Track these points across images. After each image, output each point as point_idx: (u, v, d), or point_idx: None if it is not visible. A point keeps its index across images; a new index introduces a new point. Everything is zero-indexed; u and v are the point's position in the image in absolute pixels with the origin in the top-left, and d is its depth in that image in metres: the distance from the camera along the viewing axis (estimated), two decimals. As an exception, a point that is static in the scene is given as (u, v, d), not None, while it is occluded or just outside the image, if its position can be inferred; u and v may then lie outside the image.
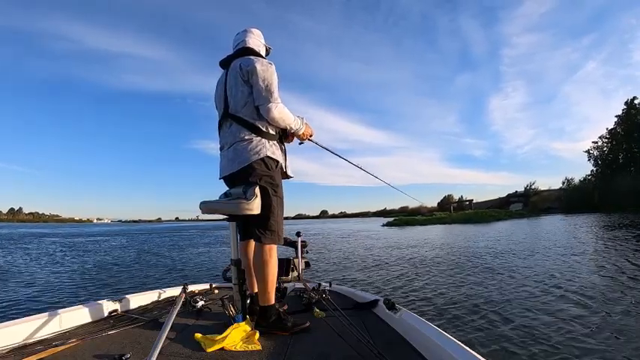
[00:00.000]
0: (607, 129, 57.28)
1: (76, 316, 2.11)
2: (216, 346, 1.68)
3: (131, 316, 2.25)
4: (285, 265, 3.24)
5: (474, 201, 70.31)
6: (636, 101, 53.17)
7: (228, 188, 2.12)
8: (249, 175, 1.97)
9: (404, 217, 45.00)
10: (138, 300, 2.61)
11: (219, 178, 2.19)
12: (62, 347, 1.70)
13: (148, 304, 2.63)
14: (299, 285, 3.06)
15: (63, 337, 1.85)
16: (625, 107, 54.66)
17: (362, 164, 2.90)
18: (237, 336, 1.78)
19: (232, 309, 2.05)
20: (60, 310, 2.06)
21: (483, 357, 1.27)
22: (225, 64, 2.21)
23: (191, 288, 3.01)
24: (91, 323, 2.14)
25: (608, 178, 51.09)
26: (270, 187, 2.01)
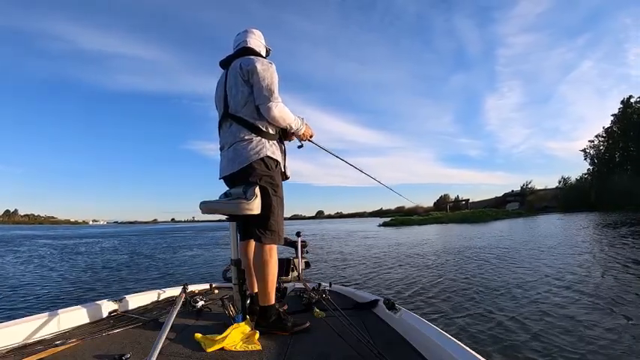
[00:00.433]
0: (603, 128, 57.72)
1: (76, 316, 2.11)
2: (216, 346, 1.68)
3: (131, 316, 2.25)
4: (285, 265, 3.24)
5: (470, 200, 70.54)
6: (632, 100, 53.47)
7: (228, 188, 2.12)
8: (249, 175, 1.97)
9: (400, 217, 44.96)
10: (138, 300, 2.61)
11: (219, 178, 2.19)
12: (62, 347, 1.69)
13: (147, 304, 2.63)
14: (299, 285, 3.06)
15: (63, 337, 1.85)
16: (621, 106, 54.92)
17: (357, 164, 2.90)
18: (237, 336, 1.78)
19: (232, 309, 2.05)
20: (60, 310, 2.05)
21: (483, 357, 1.27)
22: (225, 64, 2.21)
23: (191, 288, 3.00)
24: (91, 323, 2.13)
25: (605, 177, 51.31)
26: (271, 187, 2.01)
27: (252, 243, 2.13)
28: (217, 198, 2.03)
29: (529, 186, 67.07)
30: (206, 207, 1.98)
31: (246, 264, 2.16)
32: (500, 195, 72.08)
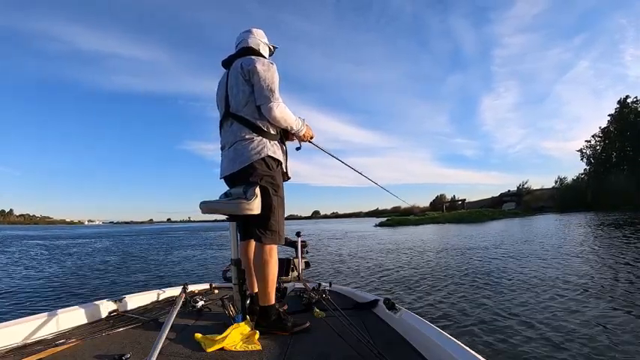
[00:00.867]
0: (600, 128, 57.95)
1: (76, 316, 2.11)
2: (216, 346, 1.68)
3: (131, 316, 2.25)
4: (285, 265, 3.25)
5: (467, 200, 70.69)
6: (629, 100, 53.66)
7: (228, 188, 2.12)
8: (249, 175, 1.97)
9: (396, 217, 45.00)
10: (138, 300, 2.60)
11: (220, 178, 2.19)
12: (62, 347, 1.69)
13: (147, 304, 2.63)
14: (299, 285, 3.06)
15: (63, 337, 1.84)
16: (618, 106, 55.17)
17: (353, 165, 2.90)
18: (237, 336, 1.78)
19: (232, 309, 2.05)
20: (60, 310, 2.05)
21: (483, 357, 1.27)
22: (227, 63, 2.21)
23: (191, 288, 3.00)
24: (91, 323, 2.13)
25: (602, 177, 51.51)
26: (271, 187, 2.01)
27: (253, 243, 2.13)
28: (216, 198, 2.03)
29: (525, 186, 67.29)
30: (206, 207, 1.98)
31: (246, 264, 2.16)
32: (497, 195, 72.29)
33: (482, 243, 13.60)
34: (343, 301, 2.66)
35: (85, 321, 2.13)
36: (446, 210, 57.88)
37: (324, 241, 18.29)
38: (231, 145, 2.04)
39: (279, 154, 2.07)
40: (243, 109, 2.02)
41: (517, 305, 4.74)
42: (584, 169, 59.00)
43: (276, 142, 2.09)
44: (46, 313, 1.96)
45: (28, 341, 1.75)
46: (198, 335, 1.78)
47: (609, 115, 56.63)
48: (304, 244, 3.55)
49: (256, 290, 2.14)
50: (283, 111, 2.00)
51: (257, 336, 1.83)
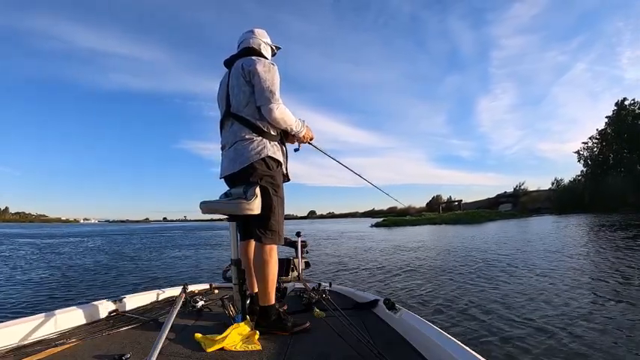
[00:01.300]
0: (597, 130, 58.05)
1: (76, 316, 2.10)
2: (216, 346, 1.68)
3: (131, 316, 2.24)
4: (285, 265, 3.25)
5: (463, 201, 70.80)
6: (626, 102, 53.80)
7: (228, 188, 2.12)
8: (249, 175, 1.97)
9: (392, 218, 44.84)
10: (138, 300, 2.60)
11: (220, 178, 2.19)
12: (62, 347, 1.69)
13: (147, 304, 2.63)
14: (299, 285, 3.06)
15: (63, 337, 1.84)
16: (615, 108, 55.23)
17: (349, 165, 2.90)
18: (237, 336, 1.78)
19: (232, 309, 2.05)
20: (60, 310, 2.05)
21: (483, 357, 1.27)
22: (228, 63, 2.20)
23: (191, 288, 3.00)
24: (91, 323, 2.13)
25: (599, 179, 51.59)
26: (271, 187, 2.01)
27: (253, 243, 2.13)
28: (213, 198, 2.03)
29: (522, 187, 67.40)
30: (206, 207, 1.98)
31: (246, 264, 2.16)
32: (493, 196, 72.43)
33: (481, 244, 13.61)
34: (343, 301, 2.66)
35: (84, 321, 2.13)
36: (442, 211, 58.02)
37: (320, 242, 18.20)
38: (232, 145, 2.04)
39: (279, 155, 2.07)
40: (244, 110, 2.02)
41: (517, 305, 4.75)
42: (581, 171, 59.33)
43: (276, 142, 2.09)
44: (45, 313, 1.96)
45: (28, 341, 1.75)
46: (198, 335, 1.78)
47: (606, 117, 56.88)
48: (304, 244, 3.55)
49: (256, 290, 2.14)
50: (283, 112, 2.00)
51: (257, 336, 1.83)
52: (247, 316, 1.98)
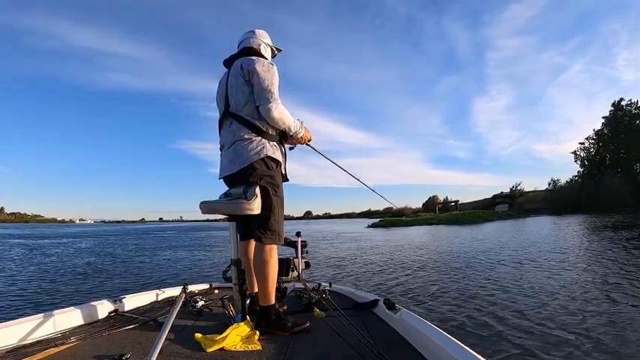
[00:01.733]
0: (594, 130, 58.15)
1: (76, 316, 2.10)
2: (216, 346, 1.68)
3: (131, 316, 2.24)
4: (285, 265, 3.25)
5: (459, 202, 70.88)
6: (623, 103, 53.89)
7: (228, 188, 2.12)
8: (249, 175, 1.97)
9: (389, 219, 44.70)
10: (138, 300, 2.60)
11: (219, 178, 2.19)
12: (62, 347, 1.69)
13: (147, 304, 2.63)
14: (299, 285, 3.06)
15: (63, 337, 1.84)
16: (612, 109, 55.31)
17: (345, 166, 2.90)
18: (237, 336, 1.78)
19: (232, 309, 2.05)
20: (60, 310, 2.05)
21: (483, 357, 1.27)
22: (228, 63, 2.21)
23: (191, 288, 3.01)
24: (91, 323, 2.13)
25: (596, 179, 51.68)
26: (271, 187, 2.01)
27: (253, 243, 2.13)
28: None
29: (518, 188, 67.47)
30: (206, 207, 1.98)
31: (246, 264, 2.16)
32: (490, 196, 72.45)
33: (479, 244, 13.62)
34: (343, 301, 2.67)
35: (84, 321, 2.13)
36: (439, 211, 57.94)
37: (318, 243, 18.13)
38: (231, 145, 2.04)
39: (278, 155, 2.07)
40: (243, 109, 2.02)
41: (516, 305, 4.75)
42: (578, 171, 59.39)
43: (275, 142, 2.09)
44: (45, 313, 1.96)
45: (28, 342, 1.75)
46: (198, 335, 1.78)
47: (603, 118, 56.96)
48: (304, 244, 3.55)
49: (256, 290, 2.14)
50: (282, 112, 2.00)
51: (257, 336, 1.83)
52: (247, 316, 1.98)
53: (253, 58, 2.05)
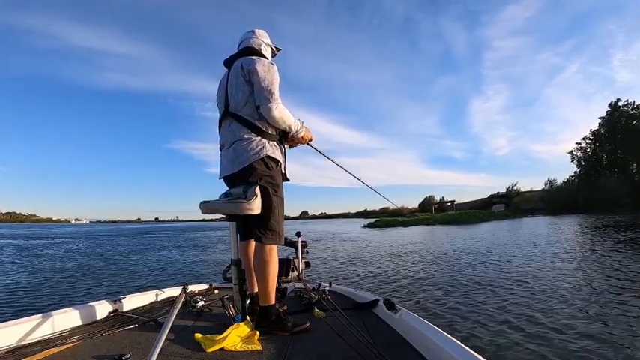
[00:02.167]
0: (591, 130, 58.32)
1: (76, 316, 2.10)
2: (216, 346, 1.68)
3: (131, 316, 2.24)
4: (285, 265, 3.24)
5: (456, 202, 71.00)
6: (620, 103, 54.05)
7: (227, 188, 2.12)
8: (249, 175, 1.97)
9: (385, 219, 44.62)
10: (138, 300, 2.60)
11: (219, 179, 2.19)
12: (62, 347, 1.69)
13: (147, 304, 2.63)
14: (299, 285, 3.06)
15: (63, 337, 1.84)
16: (609, 109, 55.44)
17: (344, 166, 2.91)
18: (237, 336, 1.78)
19: (232, 309, 2.05)
20: (60, 310, 2.05)
21: (483, 357, 1.27)
22: (228, 63, 2.21)
23: (191, 288, 3.01)
24: (91, 323, 2.13)
25: (592, 180, 51.84)
26: (271, 187, 2.01)
27: (253, 243, 2.13)
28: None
29: (515, 188, 67.59)
30: (206, 207, 1.97)
31: (246, 264, 2.16)
32: (486, 197, 72.68)
33: (477, 244, 13.62)
34: (343, 301, 2.67)
35: (84, 321, 2.13)
36: (435, 211, 58.02)
37: (315, 244, 18.00)
38: (231, 144, 2.04)
39: (278, 155, 2.07)
40: (243, 109, 2.02)
41: (516, 306, 4.76)
42: (575, 172, 59.55)
43: (275, 142, 2.09)
44: (45, 313, 1.96)
45: (28, 342, 1.74)
46: (198, 335, 1.78)
47: (600, 118, 57.18)
48: (304, 244, 3.55)
49: (256, 290, 2.14)
50: (282, 112, 2.00)
51: (257, 336, 1.83)
52: (247, 316, 1.98)
53: (253, 57, 2.05)
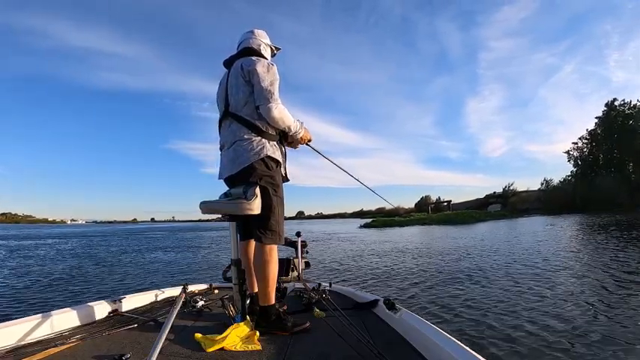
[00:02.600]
0: (587, 130, 58.56)
1: (76, 316, 2.10)
2: (216, 346, 1.68)
3: (131, 316, 2.24)
4: (285, 265, 3.24)
5: (452, 202, 71.13)
6: (616, 103, 54.20)
7: (227, 188, 2.12)
8: (249, 175, 1.97)
9: (382, 219, 44.46)
10: (138, 300, 2.60)
11: (219, 178, 2.19)
12: (62, 347, 1.69)
13: (147, 304, 2.63)
14: (299, 285, 3.06)
15: (63, 337, 1.84)
16: (605, 109, 55.60)
17: (342, 167, 2.91)
18: (237, 336, 1.78)
19: (232, 309, 2.05)
20: (59, 310, 2.05)
21: (483, 357, 1.28)
22: (228, 63, 2.21)
23: (191, 288, 3.01)
24: (91, 323, 2.13)
25: (589, 179, 52.02)
26: (271, 187, 2.01)
27: (253, 243, 2.13)
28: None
29: (511, 188, 67.72)
30: (206, 207, 1.98)
31: (246, 264, 2.16)
32: (482, 197, 72.87)
33: (475, 244, 13.62)
34: (343, 301, 2.67)
35: (84, 321, 2.13)
36: (431, 211, 58.10)
37: (311, 243, 17.98)
38: (231, 145, 2.04)
39: (277, 155, 2.08)
40: (243, 109, 2.02)
41: (516, 305, 4.76)
42: (571, 171, 59.83)
43: (275, 142, 2.09)
44: (45, 314, 1.95)
45: (28, 342, 1.74)
46: (198, 335, 1.78)
47: (596, 118, 57.37)
48: (304, 244, 3.54)
49: (256, 290, 2.14)
50: (282, 112, 2.00)
51: (257, 336, 1.83)
52: (247, 316, 1.98)
53: (253, 58, 2.05)
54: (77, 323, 2.08)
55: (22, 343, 1.72)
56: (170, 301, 2.72)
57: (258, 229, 1.99)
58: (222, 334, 1.77)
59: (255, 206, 1.90)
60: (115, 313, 2.29)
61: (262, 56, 2.18)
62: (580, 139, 59.54)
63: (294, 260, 3.37)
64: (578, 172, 57.78)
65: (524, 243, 13.02)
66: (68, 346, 1.71)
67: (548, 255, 9.53)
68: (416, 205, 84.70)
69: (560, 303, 4.79)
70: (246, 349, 1.71)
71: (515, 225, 27.02)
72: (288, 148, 2.32)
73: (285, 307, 2.36)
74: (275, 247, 2.04)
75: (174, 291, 2.93)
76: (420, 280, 6.85)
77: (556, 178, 61.93)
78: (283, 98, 2.03)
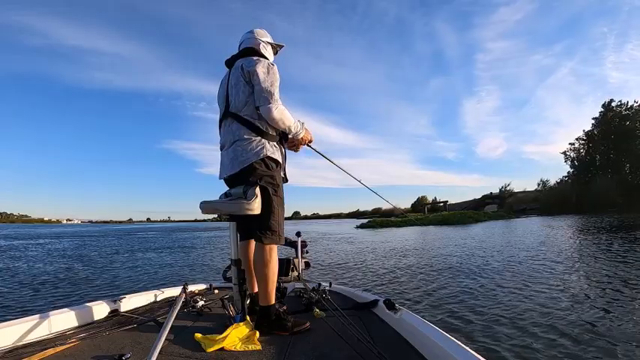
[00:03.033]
0: (584, 131, 58.70)
1: (76, 316, 2.10)
2: (216, 346, 1.68)
3: (131, 316, 2.24)
4: (285, 265, 3.24)
5: (448, 202, 71.30)
6: (613, 104, 54.29)
7: (227, 188, 2.12)
8: (249, 175, 1.97)
9: (378, 219, 44.08)
10: (138, 300, 2.60)
11: (220, 179, 2.19)
12: (62, 347, 1.69)
13: (147, 304, 2.63)
14: (299, 285, 3.06)
15: (63, 337, 1.84)
16: (602, 110, 55.73)
17: (340, 166, 2.91)
18: (237, 336, 1.78)
19: (232, 309, 2.05)
20: (59, 310, 2.04)
21: (483, 357, 1.28)
22: (229, 63, 2.21)
23: (191, 288, 3.01)
24: (90, 323, 2.12)
25: (586, 180, 52.26)
26: (271, 187, 2.01)
27: (253, 243, 2.13)
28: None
29: (508, 188, 67.83)
30: (206, 207, 1.98)
31: (246, 264, 2.16)
32: (479, 197, 73.11)
33: (473, 244, 13.64)
34: (343, 301, 2.67)
35: (84, 321, 2.12)
36: (428, 211, 58.20)
37: (310, 244, 17.83)
38: (231, 144, 2.04)
39: (277, 155, 2.08)
40: (243, 109, 2.02)
41: (516, 305, 4.77)
42: (568, 172, 59.99)
43: (275, 143, 2.09)
44: (45, 313, 1.95)
45: (28, 342, 1.74)
46: (198, 335, 1.78)
47: (593, 119, 57.44)
48: (304, 244, 3.54)
49: (256, 290, 2.14)
50: (282, 112, 2.01)
51: (257, 336, 1.83)
52: (247, 316, 1.98)
53: (254, 58, 2.06)
54: (77, 323, 2.07)
55: (22, 343, 1.72)
56: (170, 301, 2.72)
57: (258, 229, 1.99)
58: (222, 334, 1.77)
59: (256, 206, 1.90)
60: (114, 313, 2.29)
61: (263, 56, 2.18)
62: (577, 140, 59.77)
63: (294, 260, 3.37)
64: (575, 173, 57.97)
65: (523, 244, 13.03)
66: (68, 346, 1.71)
67: (548, 255, 9.55)
68: (412, 205, 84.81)
69: (560, 303, 4.80)
70: (246, 349, 1.71)
71: (513, 225, 27.01)
72: (288, 151, 2.33)
73: (285, 307, 2.35)
74: (275, 247, 2.04)
75: (174, 291, 2.93)
76: (420, 281, 6.87)
77: (552, 179, 62.26)
78: (282, 98, 2.03)
